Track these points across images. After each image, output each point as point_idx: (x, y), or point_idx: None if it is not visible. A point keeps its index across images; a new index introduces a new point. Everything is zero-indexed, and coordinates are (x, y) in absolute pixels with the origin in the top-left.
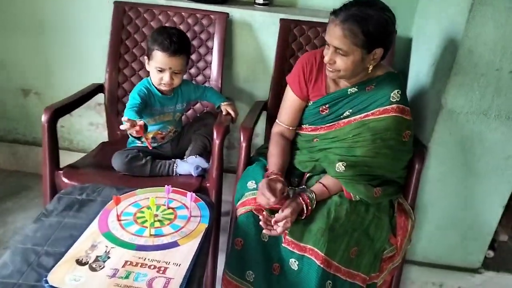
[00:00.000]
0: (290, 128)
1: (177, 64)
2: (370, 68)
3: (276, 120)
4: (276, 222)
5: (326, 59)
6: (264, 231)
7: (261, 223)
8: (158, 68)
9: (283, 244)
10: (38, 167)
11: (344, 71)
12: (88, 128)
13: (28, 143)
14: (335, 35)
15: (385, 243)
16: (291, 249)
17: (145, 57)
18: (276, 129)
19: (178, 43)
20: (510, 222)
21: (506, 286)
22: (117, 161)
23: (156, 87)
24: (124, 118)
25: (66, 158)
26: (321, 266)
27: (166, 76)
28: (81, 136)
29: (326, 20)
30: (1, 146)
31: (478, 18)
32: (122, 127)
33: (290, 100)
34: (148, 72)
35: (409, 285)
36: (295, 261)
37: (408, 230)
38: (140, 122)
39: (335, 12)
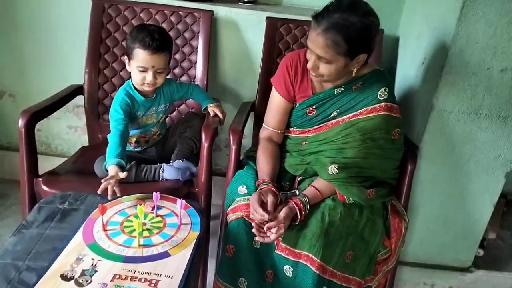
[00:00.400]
0: (278, 131)
1: (160, 62)
2: (354, 71)
3: (264, 124)
4: (268, 228)
5: (309, 65)
6: (256, 238)
7: (253, 230)
8: (140, 68)
9: (276, 251)
10: (14, 173)
11: (328, 76)
12: (66, 131)
13: (2, 148)
14: (317, 44)
15: (379, 246)
16: (285, 255)
17: (125, 57)
18: (263, 133)
19: (160, 40)
20: (497, 220)
21: (497, 284)
22: (99, 168)
23: (138, 90)
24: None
25: (44, 163)
26: (317, 272)
27: (149, 76)
28: (59, 140)
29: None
30: None
31: (470, 16)
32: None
33: (276, 102)
34: (130, 73)
35: (401, 286)
36: (289, 268)
37: (402, 232)
38: (123, 175)
39: (316, 18)
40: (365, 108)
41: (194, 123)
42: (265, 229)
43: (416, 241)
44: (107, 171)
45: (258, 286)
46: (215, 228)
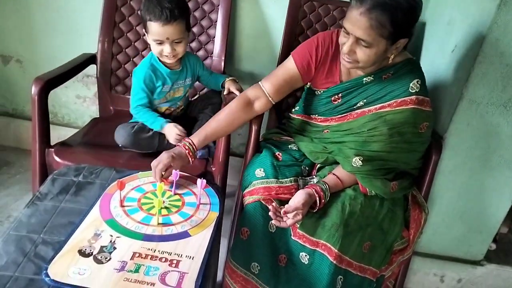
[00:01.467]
0: (270, 98)
1: (175, 33)
2: (391, 58)
3: (259, 82)
4: (285, 213)
5: (344, 49)
6: (272, 221)
7: (270, 213)
8: (157, 41)
9: (293, 237)
10: (19, 141)
11: (364, 63)
12: (74, 101)
13: (7, 115)
14: (359, 25)
15: (397, 236)
16: (302, 242)
17: (143, 30)
18: (251, 91)
19: (170, 9)
20: (509, 214)
21: (507, 278)
22: (121, 134)
23: (161, 62)
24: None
25: (51, 133)
26: (334, 262)
27: (166, 48)
28: (66, 109)
29: None
30: None
31: (510, 4)
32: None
33: (287, 71)
34: (146, 44)
35: (411, 275)
36: (305, 255)
37: (422, 224)
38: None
39: None
40: (394, 100)
41: (216, 100)
42: (282, 213)
43: (429, 232)
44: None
45: (271, 270)
46: (227, 207)
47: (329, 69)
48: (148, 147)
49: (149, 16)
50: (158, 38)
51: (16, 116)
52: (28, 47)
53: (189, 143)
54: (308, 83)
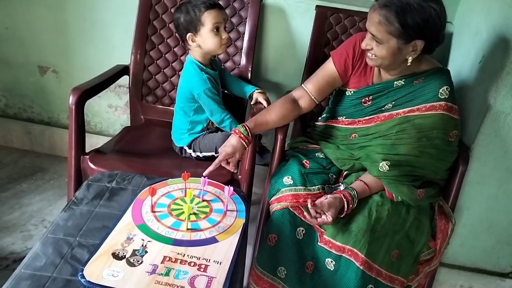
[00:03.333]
0: (312, 97)
1: (227, 16)
2: (410, 60)
3: (302, 84)
4: (312, 203)
5: (363, 44)
6: (306, 214)
7: (309, 206)
8: (216, 26)
9: (319, 244)
10: (53, 148)
11: (381, 59)
12: (106, 110)
13: (43, 123)
14: (371, 21)
15: (424, 246)
16: (328, 248)
17: (188, 37)
18: (295, 92)
19: (216, 1)
20: None
21: None
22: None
23: (203, 64)
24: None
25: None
26: (361, 267)
27: (224, 33)
28: (99, 118)
29: (363, 9)
30: (14, 125)
31: None
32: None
33: (327, 72)
34: (176, 55)
35: (437, 286)
36: (331, 261)
37: (448, 234)
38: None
39: None
40: (423, 105)
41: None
42: (310, 205)
43: (457, 243)
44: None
45: (297, 276)
46: (251, 216)
47: (363, 69)
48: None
49: (204, 9)
50: (218, 21)
51: (51, 124)
52: (64, 58)
53: (245, 129)
54: None
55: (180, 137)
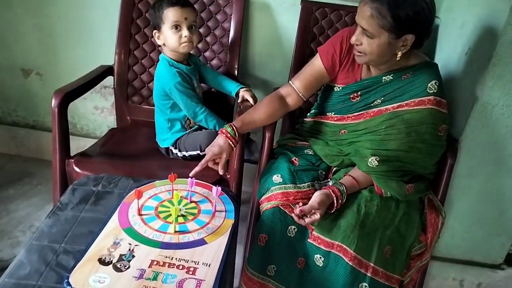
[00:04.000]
0: (300, 94)
1: (191, 14)
2: (399, 54)
3: (289, 81)
4: (301, 211)
5: (352, 39)
6: (293, 214)
7: (295, 210)
8: (174, 24)
9: (308, 240)
10: (40, 152)
11: (370, 55)
12: (92, 111)
13: (28, 126)
14: (362, 15)
15: (415, 240)
16: (317, 244)
17: (154, 33)
18: (283, 89)
19: None
20: None
21: None
22: (208, 138)
23: (176, 60)
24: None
25: (70, 143)
26: (350, 263)
27: (185, 31)
28: (85, 120)
29: (349, 3)
30: None
31: None
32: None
33: (314, 68)
34: (160, 53)
35: (429, 280)
36: (320, 257)
37: (438, 228)
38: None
39: None
40: (412, 100)
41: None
42: (297, 211)
43: (447, 236)
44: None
45: (288, 272)
46: (242, 215)
47: (351, 64)
48: None
49: (166, 6)
50: (177, 19)
51: (37, 127)
52: (47, 60)
53: (232, 129)
54: None
55: (163, 138)
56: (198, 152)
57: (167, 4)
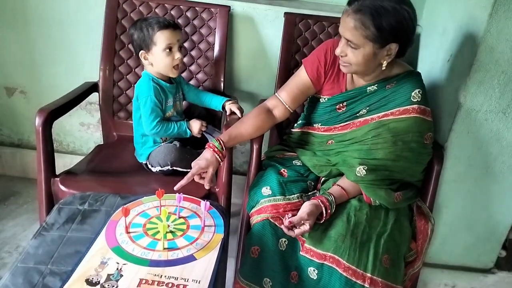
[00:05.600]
0: (286, 106)
1: (181, 36)
2: (384, 64)
3: (275, 93)
4: (290, 223)
5: (337, 51)
6: (282, 226)
7: (284, 221)
8: (168, 47)
9: (300, 253)
10: (26, 170)
11: (356, 65)
12: (78, 128)
13: (13, 145)
14: (346, 26)
15: (406, 248)
16: (309, 257)
17: (141, 54)
18: (269, 101)
19: (172, 20)
20: None
21: None
22: (169, 151)
23: (159, 78)
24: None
25: (57, 161)
26: (344, 274)
27: (177, 53)
28: (71, 137)
29: (332, 14)
30: None
31: (501, 13)
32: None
33: (300, 80)
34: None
35: (421, 287)
36: (314, 270)
37: (428, 234)
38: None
39: (349, 2)
40: (396, 109)
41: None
42: (286, 222)
43: (438, 242)
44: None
45: (282, 287)
46: (232, 227)
47: (336, 75)
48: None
49: (157, 28)
50: (171, 42)
51: (22, 146)
52: (31, 78)
53: (219, 143)
54: None
55: (139, 153)
56: (168, 167)
57: (159, 27)
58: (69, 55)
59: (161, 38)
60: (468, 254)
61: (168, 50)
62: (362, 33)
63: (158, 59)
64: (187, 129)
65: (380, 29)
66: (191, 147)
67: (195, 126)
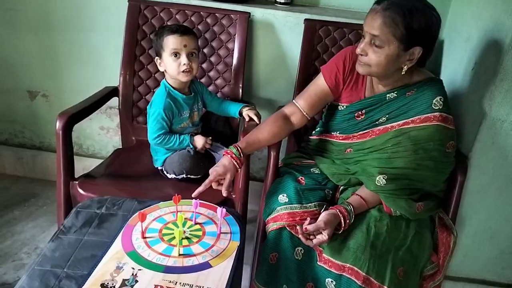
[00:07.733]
0: (304, 113)
1: (191, 42)
2: (405, 68)
3: (293, 100)
4: (306, 230)
5: (358, 50)
6: (299, 235)
7: (297, 227)
8: (174, 52)
9: (318, 263)
10: (46, 173)
11: (376, 66)
12: (98, 132)
13: (34, 148)
14: (373, 23)
15: (427, 261)
16: (327, 268)
17: (156, 59)
18: (287, 108)
19: (185, 26)
20: None
21: None
22: (183, 160)
23: (176, 89)
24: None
25: (76, 164)
26: (362, 285)
27: (183, 59)
28: (91, 141)
29: (352, 21)
30: (6, 151)
31: None
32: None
33: (318, 87)
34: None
35: None
36: (331, 281)
37: (450, 247)
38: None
39: (378, 1)
40: (417, 117)
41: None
42: (302, 229)
43: (460, 255)
44: (190, 149)
45: None
46: (249, 234)
47: (355, 82)
48: (204, 169)
49: (166, 34)
50: (176, 47)
51: (43, 149)
52: (53, 82)
53: (237, 149)
54: None
55: (155, 158)
56: (183, 176)
57: (168, 32)
58: (90, 60)
59: (168, 43)
60: (491, 268)
61: (174, 56)
62: (391, 30)
63: (167, 64)
64: (190, 145)
65: (409, 29)
66: (205, 152)
67: (199, 142)
